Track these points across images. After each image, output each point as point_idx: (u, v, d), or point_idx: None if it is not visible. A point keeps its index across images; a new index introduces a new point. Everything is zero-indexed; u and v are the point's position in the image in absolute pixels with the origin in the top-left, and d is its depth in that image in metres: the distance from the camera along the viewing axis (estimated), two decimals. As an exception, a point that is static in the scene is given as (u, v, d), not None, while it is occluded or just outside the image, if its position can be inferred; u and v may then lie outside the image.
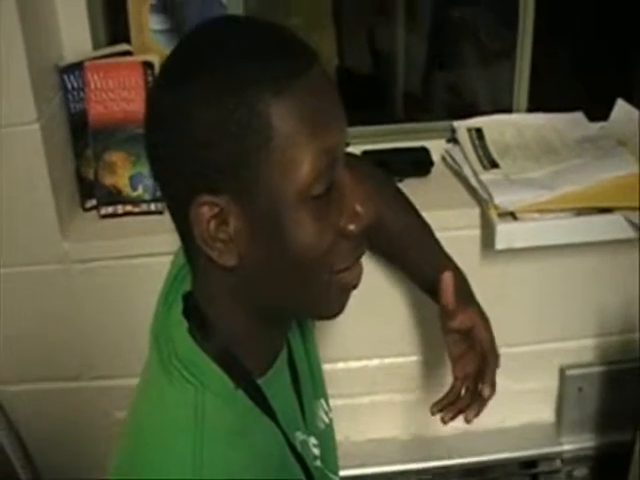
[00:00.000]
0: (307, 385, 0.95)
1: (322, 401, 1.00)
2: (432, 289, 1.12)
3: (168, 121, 0.69)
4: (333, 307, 0.78)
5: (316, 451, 0.92)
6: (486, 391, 1.04)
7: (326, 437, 0.98)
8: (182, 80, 0.68)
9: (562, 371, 1.45)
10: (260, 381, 0.80)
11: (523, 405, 1.47)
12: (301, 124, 0.67)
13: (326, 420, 0.99)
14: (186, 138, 0.67)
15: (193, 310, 0.79)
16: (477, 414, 1.05)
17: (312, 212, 0.69)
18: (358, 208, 0.72)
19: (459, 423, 1.06)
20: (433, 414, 1.07)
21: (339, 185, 0.72)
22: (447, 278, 1.04)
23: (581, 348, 1.44)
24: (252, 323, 0.78)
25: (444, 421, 1.06)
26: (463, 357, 1.09)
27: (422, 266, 1.15)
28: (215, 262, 0.71)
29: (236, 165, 0.67)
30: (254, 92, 0.65)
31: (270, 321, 0.79)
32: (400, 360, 1.42)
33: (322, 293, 0.75)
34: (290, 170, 0.67)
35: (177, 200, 0.72)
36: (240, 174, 0.67)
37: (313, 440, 0.92)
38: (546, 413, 1.49)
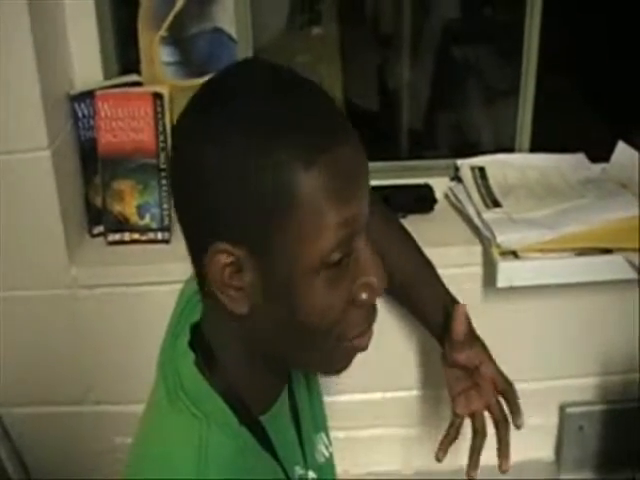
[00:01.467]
0: (307, 419, 0.95)
1: (322, 435, 1.00)
2: (434, 328, 1.14)
3: (198, 167, 0.67)
4: (337, 367, 0.77)
5: (315, 485, 0.92)
6: (519, 420, 1.08)
7: (325, 471, 0.98)
8: (217, 130, 0.67)
9: (562, 409, 1.45)
10: (262, 417, 0.80)
11: (523, 442, 1.44)
12: (324, 198, 0.66)
13: (326, 454, 0.99)
14: (215, 186, 0.67)
15: (200, 342, 0.79)
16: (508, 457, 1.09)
17: (325, 280, 0.68)
18: (373, 279, 0.72)
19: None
20: (440, 459, 1.09)
21: (356, 254, 0.71)
22: (461, 309, 1.07)
23: (582, 386, 1.44)
24: (255, 366, 0.78)
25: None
26: (466, 395, 1.10)
27: (425, 305, 1.15)
28: (225, 307, 0.71)
29: (257, 223, 0.66)
30: (283, 159, 0.64)
31: (273, 368, 0.79)
32: (402, 394, 1.42)
33: (328, 356, 0.75)
34: (308, 239, 0.66)
35: (196, 241, 0.71)
36: (259, 232, 0.67)
37: (312, 474, 0.92)
38: (546, 450, 1.49)
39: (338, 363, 0.77)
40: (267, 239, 0.67)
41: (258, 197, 0.65)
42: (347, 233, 0.68)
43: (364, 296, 0.72)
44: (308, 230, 0.66)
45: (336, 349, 0.74)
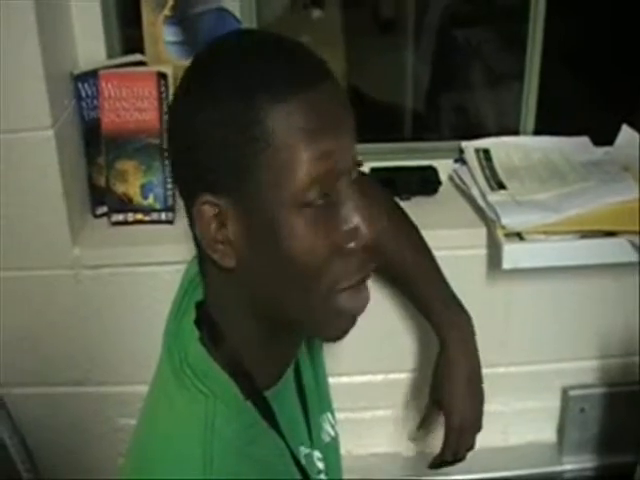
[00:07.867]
0: (313, 398, 0.95)
1: (328, 414, 1.00)
2: (428, 315, 1.15)
3: (179, 125, 0.72)
4: (332, 329, 0.76)
5: (320, 465, 0.92)
6: None
7: (331, 451, 0.98)
8: (194, 86, 0.71)
9: (565, 391, 1.46)
10: (267, 393, 0.80)
11: (525, 424, 1.47)
12: (298, 131, 0.68)
13: (332, 433, 0.99)
14: (192, 140, 0.70)
15: (205, 319, 0.79)
16: None
17: (307, 220, 0.69)
18: (360, 225, 0.71)
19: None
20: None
21: (341, 198, 0.71)
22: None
23: (584, 369, 1.45)
24: (262, 334, 0.78)
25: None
26: None
27: (419, 292, 1.17)
28: (216, 264, 0.72)
29: (236, 168, 0.69)
30: (258, 100, 0.67)
31: (278, 333, 0.79)
32: (404, 376, 1.42)
33: (321, 310, 0.74)
34: (285, 175, 0.68)
35: (185, 199, 0.74)
36: (239, 177, 0.69)
37: (317, 454, 0.92)
38: (548, 433, 1.49)
39: (333, 324, 0.75)
40: (247, 182, 0.69)
41: (238, 141, 0.68)
42: (323, 170, 0.69)
43: (351, 244, 0.71)
44: (283, 167, 0.68)
45: (328, 302, 0.73)
